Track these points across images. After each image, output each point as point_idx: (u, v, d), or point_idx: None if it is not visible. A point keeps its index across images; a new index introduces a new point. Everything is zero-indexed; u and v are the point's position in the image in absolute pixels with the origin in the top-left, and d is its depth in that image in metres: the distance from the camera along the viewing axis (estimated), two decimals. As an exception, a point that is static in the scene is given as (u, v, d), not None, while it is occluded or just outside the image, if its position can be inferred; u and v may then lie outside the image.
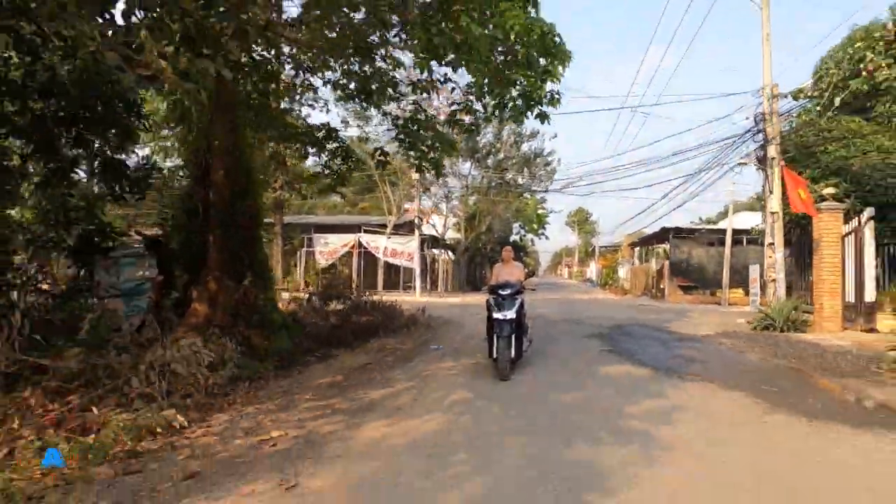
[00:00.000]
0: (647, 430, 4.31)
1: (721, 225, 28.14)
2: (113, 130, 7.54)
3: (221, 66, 4.32)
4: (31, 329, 5.47)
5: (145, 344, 5.46)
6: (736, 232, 22.66)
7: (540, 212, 47.34)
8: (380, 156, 8.34)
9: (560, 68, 8.11)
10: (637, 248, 36.55)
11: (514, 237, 43.08)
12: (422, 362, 7.66)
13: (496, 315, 6.59)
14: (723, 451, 3.93)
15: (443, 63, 6.64)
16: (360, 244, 24.83)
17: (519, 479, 3.37)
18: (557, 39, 7.82)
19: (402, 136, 8.02)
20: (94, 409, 4.41)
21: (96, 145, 7.78)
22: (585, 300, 24.66)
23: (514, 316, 6.58)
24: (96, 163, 7.92)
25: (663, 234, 25.76)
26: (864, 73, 7.88)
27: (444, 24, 5.32)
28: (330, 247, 25.18)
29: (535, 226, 49.93)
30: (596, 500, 3.07)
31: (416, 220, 25.39)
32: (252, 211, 8.03)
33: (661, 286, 24.76)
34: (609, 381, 6.35)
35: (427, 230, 27.81)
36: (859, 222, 10.54)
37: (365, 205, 36.80)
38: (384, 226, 25.98)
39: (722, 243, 23.05)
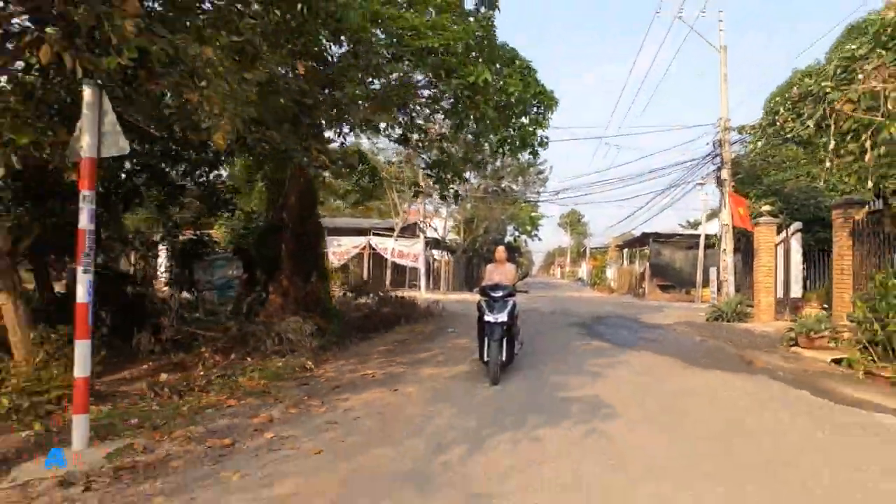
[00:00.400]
0: (599, 372, 6.90)
1: (697, 231, 30.84)
2: (207, 168, 10.00)
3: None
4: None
5: (263, 321, 8.00)
6: (709, 237, 25.36)
7: (533, 215, 50.00)
8: (416, 187, 10.95)
9: (549, 113, 10.74)
10: (625, 250, 39.26)
11: (508, 238, 45.70)
12: (443, 339, 10.23)
13: (487, 318, 6.49)
14: (639, 379, 6.53)
15: (465, 131, 9.23)
16: (371, 246, 27.34)
17: (521, 385, 5.96)
18: (547, 88, 10.46)
19: (431, 174, 10.58)
20: (249, 359, 6.95)
21: (196, 173, 10.25)
22: (574, 297, 27.33)
23: (505, 319, 6.47)
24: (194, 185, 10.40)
25: (644, 239, 28.49)
26: (777, 124, 10.19)
27: (469, 111, 7.90)
28: (342, 248, 27.65)
29: (528, 228, 52.63)
30: (566, 392, 5.64)
31: (421, 225, 27.94)
32: (316, 227, 10.57)
33: (643, 285, 27.47)
34: (581, 351, 8.94)
35: (429, 233, 30.36)
36: (787, 234, 13.21)
37: (370, 207, 39.27)
38: (391, 229, 28.49)
39: (697, 247, 25.76)
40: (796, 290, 13.17)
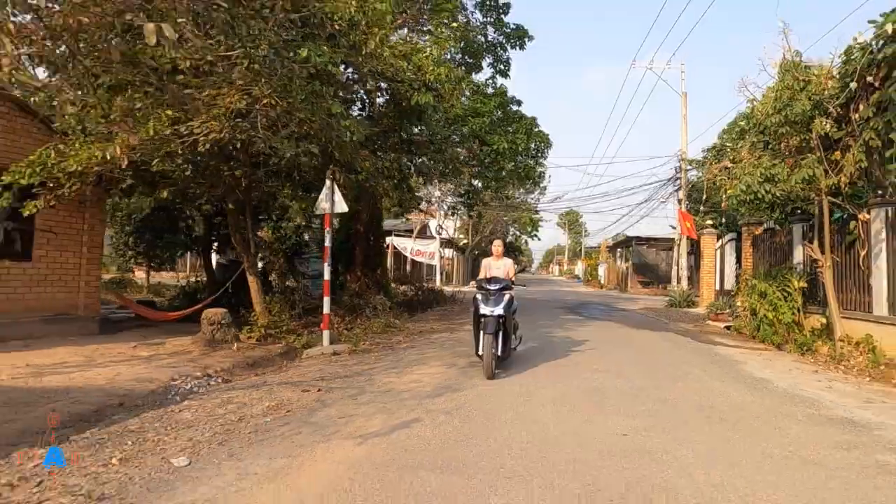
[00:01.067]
0: (573, 328, 11.35)
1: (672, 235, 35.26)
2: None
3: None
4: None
5: (362, 298, 12.43)
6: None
7: (534, 217, 54.48)
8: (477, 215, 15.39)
9: (547, 151, 15.22)
10: (618, 250, 43.69)
11: (509, 238, 50.23)
12: (469, 314, 14.67)
13: (483, 310, 6.49)
14: (598, 333, 10.98)
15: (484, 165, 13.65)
16: (393, 245, 31.81)
17: (531, 333, 10.42)
18: (544, 132, 14.94)
19: (462, 202, 15.02)
20: (359, 319, 11.38)
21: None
22: (567, 291, 31.83)
23: (501, 312, 6.46)
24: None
25: (628, 241, 32.94)
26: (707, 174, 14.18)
27: (493, 166, 12.33)
28: (368, 247, 32.14)
29: (528, 229, 57.15)
30: (550, 334, 10.08)
31: (437, 228, 32.41)
32: (379, 234, 14.96)
33: (627, 281, 31.93)
34: (561, 319, 13.37)
35: (442, 234, 34.86)
36: (723, 242, 17.64)
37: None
38: (410, 231, 32.96)
39: (672, 248, 30.17)
40: (730, 284, 17.61)
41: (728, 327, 12.29)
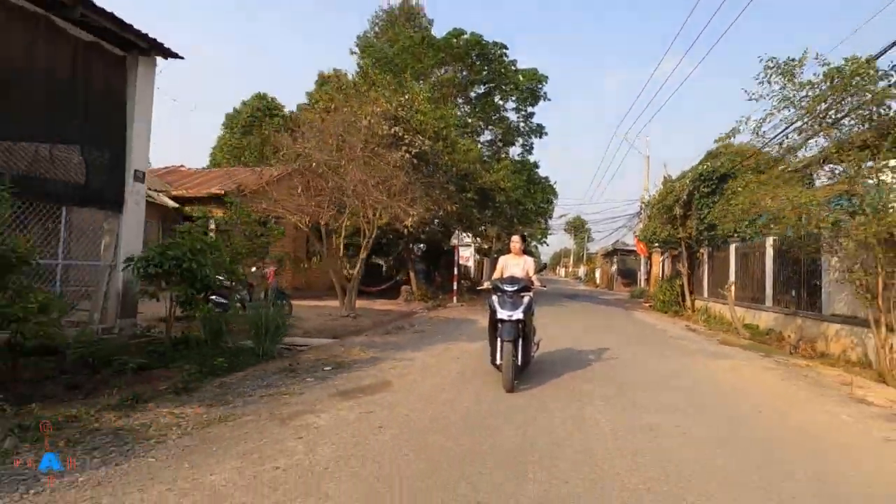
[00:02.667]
0: (563, 304, 21.58)
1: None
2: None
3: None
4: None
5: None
6: (656, 252, 39.80)
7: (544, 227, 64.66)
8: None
9: (554, 200, 25.66)
10: (610, 257, 53.75)
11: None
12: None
13: (500, 314, 5.74)
14: (576, 306, 21.21)
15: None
16: (437, 250, 42.14)
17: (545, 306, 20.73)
18: (552, 185, 25.38)
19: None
20: (449, 295, 21.72)
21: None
22: (567, 288, 42.06)
23: (521, 316, 5.72)
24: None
25: (615, 252, 43.02)
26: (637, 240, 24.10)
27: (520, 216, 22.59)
28: (417, 251, 42.52)
29: (539, 236, 67.38)
30: (548, 306, 20.32)
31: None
32: (450, 248, 25.28)
33: (613, 281, 42.01)
34: (562, 300, 23.60)
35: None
36: (661, 258, 27.81)
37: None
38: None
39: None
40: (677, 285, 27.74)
41: (651, 306, 22.43)
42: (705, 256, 18.56)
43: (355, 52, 36.82)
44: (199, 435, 3.85)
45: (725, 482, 3.38)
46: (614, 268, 42.82)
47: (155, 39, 6.44)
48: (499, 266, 6.81)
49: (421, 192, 12.66)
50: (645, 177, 30.15)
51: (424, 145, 12.83)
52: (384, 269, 24.81)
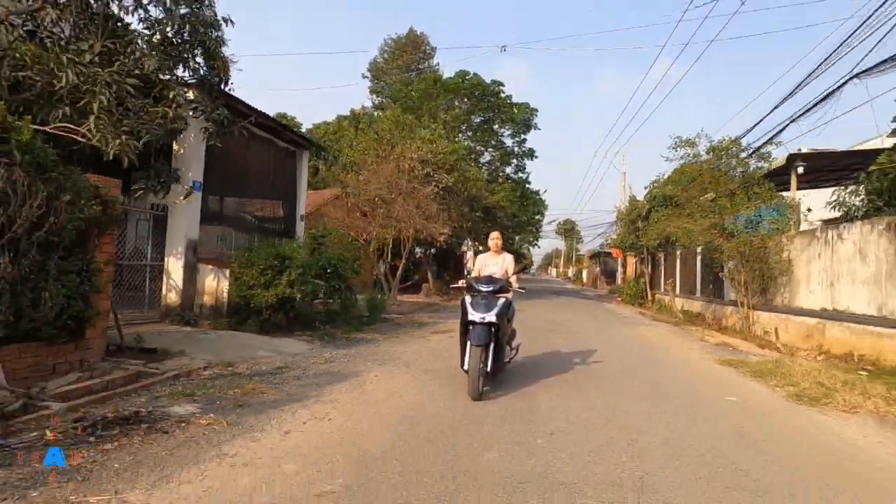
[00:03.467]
0: (549, 297, 26.57)
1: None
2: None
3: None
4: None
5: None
6: (634, 254, 44.97)
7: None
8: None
9: (544, 211, 30.79)
10: (598, 258, 58.90)
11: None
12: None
13: (472, 316, 5.37)
14: (559, 299, 26.20)
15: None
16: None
17: (535, 300, 25.67)
18: (543, 200, 30.53)
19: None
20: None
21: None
22: (556, 286, 47.12)
23: (494, 319, 5.33)
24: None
25: (599, 253, 48.15)
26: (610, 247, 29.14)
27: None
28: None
29: (531, 238, 72.58)
30: (535, 299, 25.26)
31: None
32: (458, 252, 30.18)
33: (597, 280, 47.12)
34: (549, 295, 28.59)
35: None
36: (635, 260, 32.90)
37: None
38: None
39: (628, 260, 45.33)
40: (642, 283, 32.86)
41: (621, 300, 27.45)
42: (662, 259, 23.59)
43: (366, 76, 41.76)
44: (387, 340, 8.88)
45: (623, 369, 8.19)
46: (598, 268, 48.00)
47: (310, 140, 11.40)
48: (476, 264, 6.58)
49: (446, 215, 17.50)
50: (621, 190, 35.22)
51: (448, 181, 17.68)
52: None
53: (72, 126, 5.50)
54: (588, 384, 6.37)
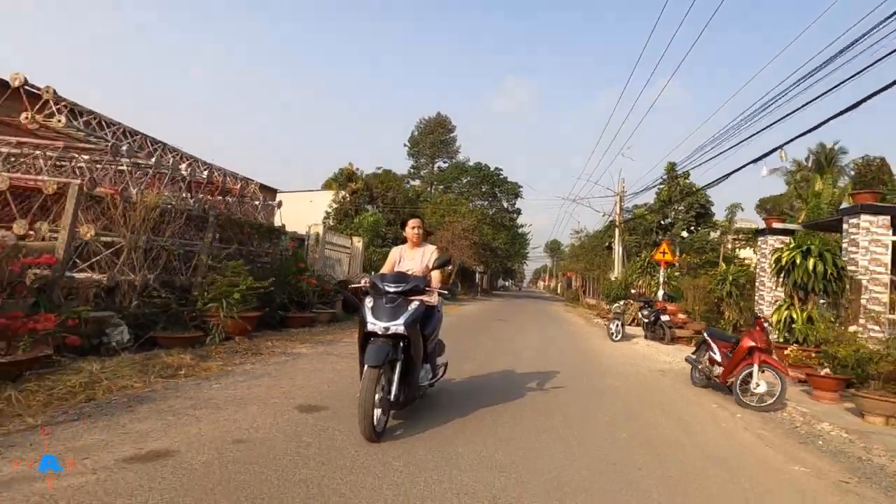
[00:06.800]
0: (528, 303, 45.08)
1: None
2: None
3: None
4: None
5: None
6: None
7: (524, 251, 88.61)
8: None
9: (528, 246, 49.91)
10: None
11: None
12: (498, 298, 48.44)
13: (371, 326, 4.04)
14: (535, 306, 44.75)
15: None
16: (454, 269, 65.74)
17: (512, 299, 44.10)
18: (528, 237, 49.69)
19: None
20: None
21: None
22: (541, 298, 65.78)
23: (401, 330, 4.03)
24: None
25: (564, 272, 66.75)
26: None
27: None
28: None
29: (520, 258, 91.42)
30: (507, 301, 43.63)
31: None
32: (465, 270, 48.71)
33: (565, 291, 65.76)
34: (528, 301, 47.06)
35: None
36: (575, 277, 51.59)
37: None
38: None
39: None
40: (577, 290, 51.55)
41: (566, 302, 45.93)
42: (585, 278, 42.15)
43: (406, 145, 61.23)
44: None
45: (541, 336, 26.46)
46: (563, 282, 66.83)
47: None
48: (389, 259, 5.10)
49: (472, 252, 36.05)
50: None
51: (480, 238, 36.26)
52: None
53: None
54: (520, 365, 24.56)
